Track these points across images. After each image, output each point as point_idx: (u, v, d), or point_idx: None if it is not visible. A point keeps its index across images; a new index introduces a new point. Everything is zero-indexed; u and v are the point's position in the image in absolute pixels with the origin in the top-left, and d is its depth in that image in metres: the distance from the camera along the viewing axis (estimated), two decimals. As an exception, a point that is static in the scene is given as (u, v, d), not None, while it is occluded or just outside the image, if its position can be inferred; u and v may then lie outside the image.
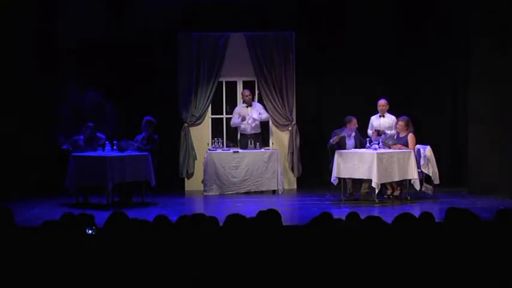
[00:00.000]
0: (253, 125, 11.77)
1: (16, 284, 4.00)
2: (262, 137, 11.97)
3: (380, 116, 11.05)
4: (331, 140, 10.70)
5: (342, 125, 10.84)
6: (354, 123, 10.76)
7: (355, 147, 10.67)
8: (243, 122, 11.73)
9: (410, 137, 10.58)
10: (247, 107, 11.81)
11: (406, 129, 10.63)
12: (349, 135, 10.81)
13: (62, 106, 11.76)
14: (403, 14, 12.13)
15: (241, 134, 11.90)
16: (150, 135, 10.85)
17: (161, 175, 10.93)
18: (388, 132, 10.88)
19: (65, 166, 10.32)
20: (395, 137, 10.80)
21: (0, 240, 4.40)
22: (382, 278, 4.01)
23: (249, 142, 11.72)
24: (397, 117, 10.85)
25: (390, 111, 11.07)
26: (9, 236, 4.51)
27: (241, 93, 12.00)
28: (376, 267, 4.04)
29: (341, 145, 10.69)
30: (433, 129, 12.07)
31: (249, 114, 11.74)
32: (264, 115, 11.85)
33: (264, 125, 12.11)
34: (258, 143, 11.69)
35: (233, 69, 12.26)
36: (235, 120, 11.85)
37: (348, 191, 10.60)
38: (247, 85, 12.41)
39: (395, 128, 10.77)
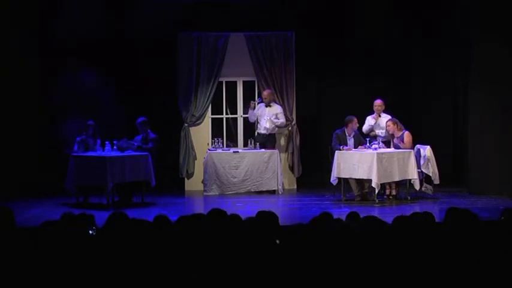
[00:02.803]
0: (267, 125, 11.70)
1: (16, 284, 3.99)
2: (274, 138, 11.91)
3: (376, 116, 11.05)
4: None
5: (342, 125, 10.86)
6: (355, 123, 10.80)
7: (355, 147, 10.69)
8: (250, 111, 11.77)
9: (407, 135, 10.59)
10: (266, 106, 11.78)
11: (399, 128, 10.65)
12: (350, 135, 10.83)
13: (58, 91, 11.73)
14: (404, 14, 12.12)
15: (257, 133, 11.88)
16: (147, 134, 10.87)
17: (161, 175, 10.94)
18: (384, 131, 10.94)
19: (65, 166, 10.32)
20: (389, 138, 10.84)
21: (0, 240, 4.40)
22: (382, 278, 4.01)
23: (250, 142, 11.76)
24: (394, 117, 10.88)
25: (390, 111, 11.08)
26: (9, 236, 4.50)
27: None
28: (376, 267, 4.04)
29: (342, 142, 10.71)
30: (433, 129, 12.07)
31: (266, 115, 11.70)
32: (280, 120, 11.75)
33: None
34: (265, 143, 11.64)
35: (233, 69, 12.25)
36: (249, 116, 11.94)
37: (354, 193, 10.57)
38: (247, 85, 12.42)
39: (387, 129, 10.77)
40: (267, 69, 12.11)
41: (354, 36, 12.12)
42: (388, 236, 4.38)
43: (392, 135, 10.73)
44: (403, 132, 10.62)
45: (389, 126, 10.68)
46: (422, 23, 12.15)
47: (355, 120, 10.80)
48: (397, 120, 10.69)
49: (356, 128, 10.85)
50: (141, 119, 10.90)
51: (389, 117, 10.97)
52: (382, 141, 10.76)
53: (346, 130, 10.83)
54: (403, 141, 10.56)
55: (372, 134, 11.02)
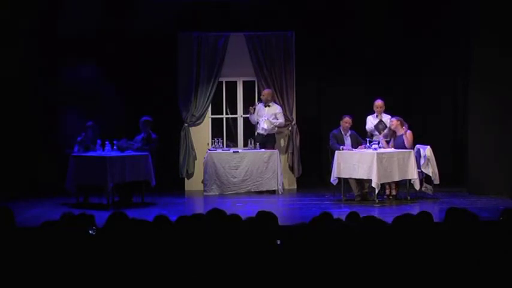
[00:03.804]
0: (265, 125, 11.67)
1: (16, 284, 3.99)
2: (274, 138, 11.89)
3: (377, 117, 11.06)
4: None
5: (338, 124, 10.91)
6: (345, 122, 10.81)
7: (352, 146, 10.70)
8: (250, 113, 11.74)
9: (409, 134, 10.58)
10: (265, 106, 11.78)
11: (402, 127, 10.64)
12: (346, 134, 10.86)
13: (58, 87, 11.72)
14: (404, 13, 12.12)
15: (257, 133, 11.86)
16: (149, 134, 10.87)
17: (161, 175, 10.94)
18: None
19: (65, 166, 10.32)
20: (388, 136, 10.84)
21: (0, 240, 4.40)
22: (382, 278, 4.01)
23: (250, 142, 11.78)
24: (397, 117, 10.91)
25: (390, 111, 11.09)
26: (9, 236, 4.51)
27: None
28: (376, 267, 4.04)
29: (339, 141, 10.73)
30: (433, 129, 12.07)
31: (264, 115, 11.70)
32: (278, 121, 11.73)
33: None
34: (264, 144, 11.62)
35: (233, 69, 12.25)
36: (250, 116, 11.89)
37: (354, 193, 10.57)
38: (247, 85, 12.43)
39: (390, 125, 10.75)
40: (267, 69, 12.11)
41: (354, 36, 12.12)
42: (388, 236, 4.39)
43: (394, 133, 10.70)
44: (405, 132, 10.59)
45: (392, 122, 10.65)
46: (423, 23, 12.14)
47: (346, 118, 10.84)
48: (402, 120, 10.68)
49: (348, 127, 10.86)
50: (144, 118, 10.89)
51: (389, 116, 10.98)
52: (385, 140, 10.75)
53: (341, 129, 10.86)
54: (404, 142, 10.54)
55: (371, 133, 11.02)
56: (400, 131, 10.64)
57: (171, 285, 4.05)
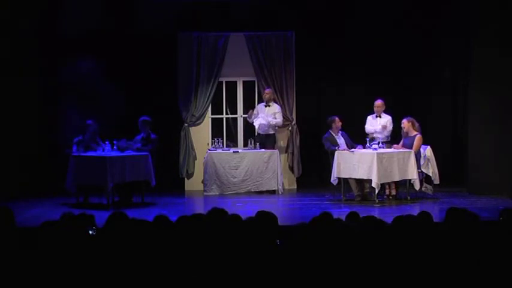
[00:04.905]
0: (264, 121, 11.67)
1: (16, 284, 3.99)
2: (274, 138, 11.90)
3: (376, 117, 11.06)
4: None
5: (328, 128, 10.96)
6: (337, 121, 10.91)
7: (346, 145, 10.71)
8: (251, 116, 11.75)
9: (418, 138, 10.53)
10: (265, 106, 11.78)
11: (414, 129, 10.60)
12: (337, 134, 10.87)
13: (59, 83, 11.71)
14: (404, 14, 12.11)
15: (257, 133, 11.86)
16: (148, 134, 10.87)
17: (161, 175, 10.94)
18: (382, 129, 10.92)
19: (65, 166, 10.32)
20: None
21: (0, 240, 4.40)
22: (382, 278, 4.01)
23: (250, 142, 11.78)
24: (394, 117, 10.90)
25: (390, 111, 11.09)
26: (9, 236, 4.51)
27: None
28: (376, 267, 4.04)
29: (333, 144, 10.75)
30: (433, 129, 12.06)
31: (263, 114, 11.69)
32: (276, 120, 11.73)
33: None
34: (264, 144, 11.63)
35: (233, 69, 12.25)
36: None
37: (354, 193, 10.56)
38: (247, 85, 12.42)
39: (402, 127, 10.72)
40: (267, 69, 12.11)
41: (354, 36, 12.12)
42: (387, 236, 4.39)
43: (407, 134, 10.67)
44: (416, 135, 10.57)
45: (403, 123, 10.63)
46: (422, 23, 12.13)
47: (337, 119, 10.91)
48: (413, 120, 10.66)
49: (340, 126, 10.90)
50: (142, 118, 10.90)
51: (389, 117, 11.00)
52: (383, 142, 10.75)
53: (331, 131, 10.88)
54: (412, 144, 10.52)
55: (371, 136, 11.00)
56: (413, 132, 10.60)
57: (171, 285, 4.05)
